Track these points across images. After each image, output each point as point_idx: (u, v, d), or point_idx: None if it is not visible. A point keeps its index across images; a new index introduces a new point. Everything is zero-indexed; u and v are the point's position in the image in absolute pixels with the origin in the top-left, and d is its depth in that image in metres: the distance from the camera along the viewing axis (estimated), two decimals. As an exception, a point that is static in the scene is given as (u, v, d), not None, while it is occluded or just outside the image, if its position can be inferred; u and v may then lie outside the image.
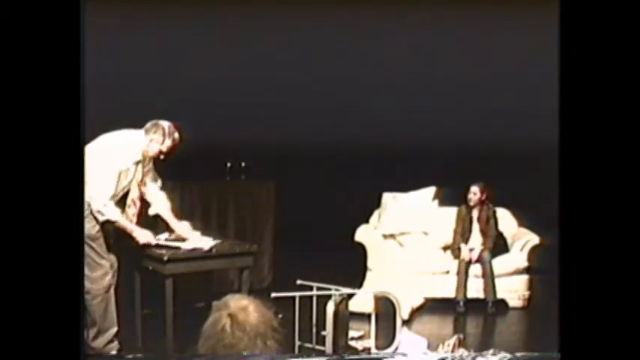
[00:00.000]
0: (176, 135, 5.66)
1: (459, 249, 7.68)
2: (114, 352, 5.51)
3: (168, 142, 5.62)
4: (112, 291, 5.58)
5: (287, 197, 7.93)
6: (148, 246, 5.64)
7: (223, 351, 2.77)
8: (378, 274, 7.51)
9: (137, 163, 5.64)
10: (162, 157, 5.70)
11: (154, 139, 5.61)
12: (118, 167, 5.51)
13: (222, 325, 2.80)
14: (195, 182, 7.72)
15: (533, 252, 7.68)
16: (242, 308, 2.84)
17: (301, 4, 8.08)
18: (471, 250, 7.65)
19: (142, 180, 5.71)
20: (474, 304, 7.44)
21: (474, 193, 7.74)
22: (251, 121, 8.49)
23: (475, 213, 7.80)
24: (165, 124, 5.64)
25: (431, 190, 8.21)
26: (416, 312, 7.22)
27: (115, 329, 5.57)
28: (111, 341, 5.56)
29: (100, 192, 5.37)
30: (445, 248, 7.93)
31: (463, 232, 7.77)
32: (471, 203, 7.77)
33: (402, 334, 5.95)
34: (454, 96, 8.63)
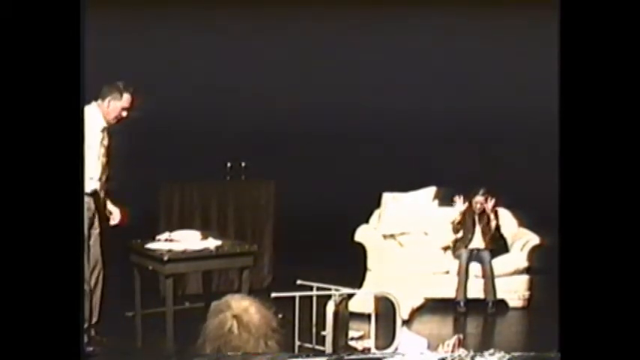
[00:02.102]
0: (131, 90, 5.75)
1: (459, 248, 7.68)
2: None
3: (126, 96, 5.73)
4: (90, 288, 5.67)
5: (287, 197, 7.92)
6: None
7: (228, 352, 2.76)
8: (378, 274, 7.50)
9: (103, 130, 5.74)
10: (124, 113, 5.75)
11: (111, 99, 5.71)
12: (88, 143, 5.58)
13: (229, 327, 2.79)
14: (195, 182, 7.72)
15: (533, 252, 7.67)
16: (244, 309, 2.83)
17: (300, 3, 8.10)
18: (472, 250, 7.64)
19: (108, 146, 5.80)
20: (474, 304, 7.44)
21: (479, 202, 7.72)
22: (251, 121, 8.49)
23: (476, 214, 7.78)
24: (119, 82, 5.74)
25: (431, 190, 8.20)
26: (416, 312, 7.22)
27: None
28: None
29: None
30: (445, 248, 7.92)
31: (465, 233, 7.76)
32: (476, 211, 7.75)
33: (402, 334, 5.95)
34: (454, 95, 8.63)
